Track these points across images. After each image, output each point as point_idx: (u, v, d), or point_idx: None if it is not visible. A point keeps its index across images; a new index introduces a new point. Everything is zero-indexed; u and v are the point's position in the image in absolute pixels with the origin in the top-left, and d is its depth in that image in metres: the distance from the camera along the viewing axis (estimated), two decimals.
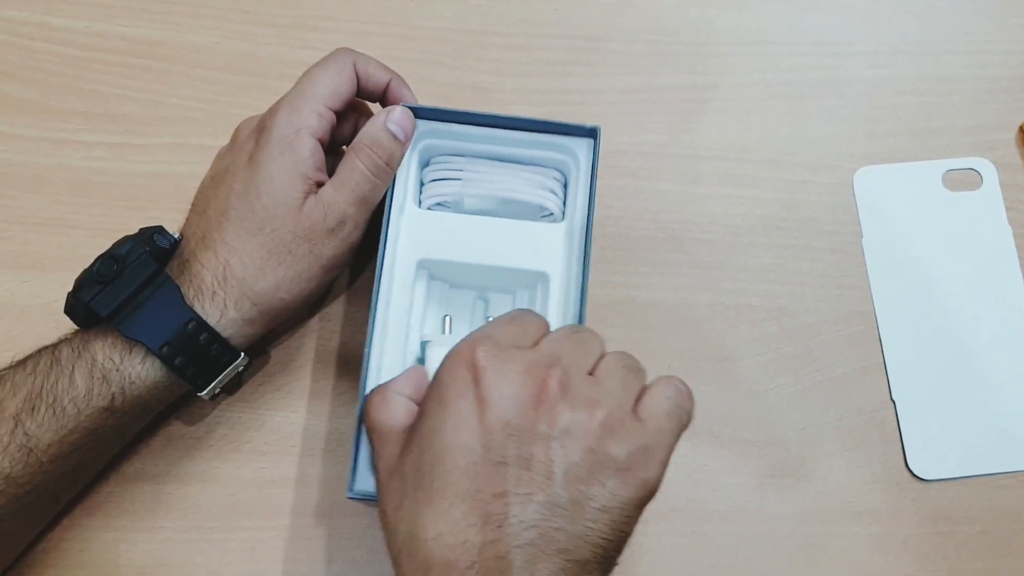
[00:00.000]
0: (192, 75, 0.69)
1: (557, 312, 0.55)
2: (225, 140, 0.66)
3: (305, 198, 0.54)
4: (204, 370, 0.54)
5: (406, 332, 0.56)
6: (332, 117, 0.56)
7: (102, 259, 0.53)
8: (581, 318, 0.54)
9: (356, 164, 0.55)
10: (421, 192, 0.59)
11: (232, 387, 0.61)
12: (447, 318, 0.59)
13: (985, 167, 0.68)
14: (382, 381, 0.55)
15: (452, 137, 0.59)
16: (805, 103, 0.70)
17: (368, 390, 0.53)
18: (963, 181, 0.68)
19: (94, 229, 0.65)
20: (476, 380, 0.44)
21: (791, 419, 0.62)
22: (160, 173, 0.66)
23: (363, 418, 0.49)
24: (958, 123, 0.69)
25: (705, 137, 0.69)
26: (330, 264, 0.55)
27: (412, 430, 0.46)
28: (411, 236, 0.57)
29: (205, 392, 0.55)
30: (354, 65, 0.57)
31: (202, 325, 0.52)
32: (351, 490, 0.52)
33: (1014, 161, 0.68)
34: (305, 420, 0.61)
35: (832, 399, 0.63)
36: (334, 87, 0.56)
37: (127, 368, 0.52)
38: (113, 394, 0.51)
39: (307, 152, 0.54)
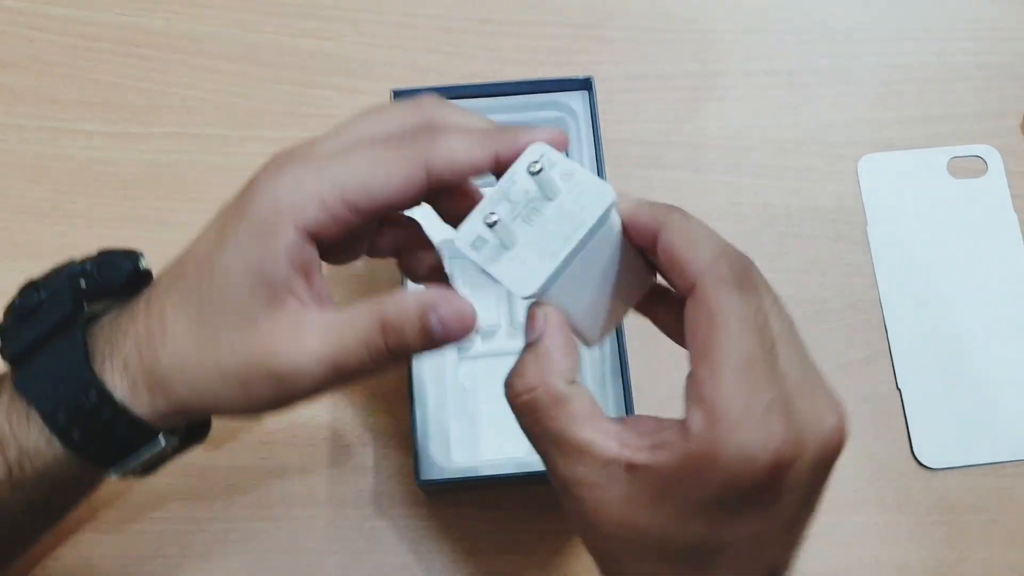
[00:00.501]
0: (192, 64, 0.68)
1: None
2: (224, 129, 0.66)
3: (268, 314, 0.38)
4: (108, 448, 0.41)
5: None
6: (349, 219, 0.38)
7: (27, 286, 0.43)
8: None
9: (357, 326, 0.38)
10: None
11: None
12: (494, 217, 0.36)
13: (990, 154, 0.66)
14: (424, 376, 0.54)
15: None
16: (809, 90, 0.69)
17: (415, 382, 0.52)
18: (968, 168, 0.67)
19: (93, 219, 0.64)
20: (779, 480, 0.33)
21: None
22: (159, 163, 0.65)
23: (531, 423, 0.37)
24: (963, 110, 0.68)
25: (709, 125, 0.67)
26: (263, 407, 0.40)
27: (686, 530, 0.34)
28: (425, 221, 0.57)
29: (114, 473, 0.42)
30: (425, 168, 0.37)
31: (105, 397, 0.39)
32: (418, 479, 0.52)
33: (1019, 148, 0.67)
34: (307, 410, 0.59)
35: (837, 387, 0.60)
36: (368, 183, 0.37)
37: (22, 435, 0.40)
38: (9, 466, 0.40)
39: (281, 247, 0.37)
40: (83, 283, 0.42)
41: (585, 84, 0.58)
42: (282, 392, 0.38)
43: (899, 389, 0.61)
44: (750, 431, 0.32)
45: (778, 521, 0.34)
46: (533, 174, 0.36)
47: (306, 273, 0.38)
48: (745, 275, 0.35)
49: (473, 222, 0.37)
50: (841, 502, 0.59)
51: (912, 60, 0.70)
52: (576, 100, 0.59)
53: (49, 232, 0.63)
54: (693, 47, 0.70)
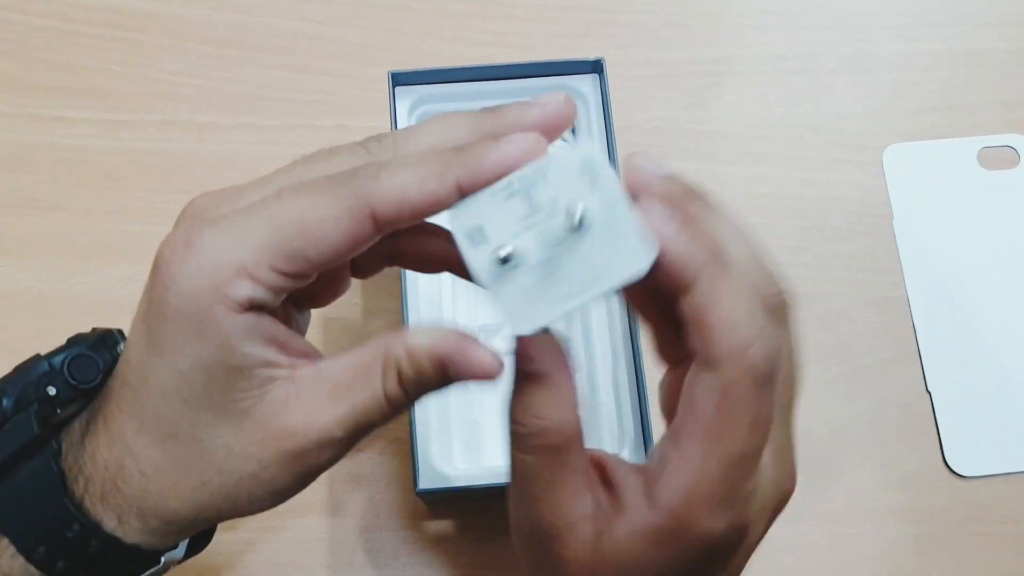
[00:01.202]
0: (183, 49, 0.64)
1: None
2: (216, 118, 0.63)
3: (260, 399, 0.32)
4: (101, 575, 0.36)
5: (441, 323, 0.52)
6: (287, 284, 0.32)
7: None
8: None
9: (370, 382, 0.32)
10: None
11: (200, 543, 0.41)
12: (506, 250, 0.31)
13: (1022, 144, 0.63)
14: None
15: (448, 99, 0.55)
16: (830, 78, 0.65)
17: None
18: (999, 159, 0.63)
19: (76, 211, 0.60)
20: (736, 546, 0.33)
21: (819, 412, 0.57)
22: (147, 152, 0.62)
23: (542, 465, 0.32)
24: (993, 98, 0.64)
25: (723, 113, 0.64)
26: (286, 493, 0.35)
27: None
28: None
29: None
30: (370, 214, 0.31)
31: (89, 531, 0.34)
32: (417, 488, 0.49)
33: None
34: None
35: (863, 390, 0.57)
36: (296, 244, 0.31)
37: None
38: None
39: (229, 335, 0.31)
40: (52, 390, 0.36)
41: (596, 67, 0.55)
42: (308, 470, 0.33)
43: (929, 392, 0.57)
44: (724, 519, 0.31)
45: (729, 568, 0.33)
46: (572, 222, 0.30)
47: (274, 340, 0.32)
48: (775, 366, 0.30)
49: (482, 206, 0.31)
50: (868, 512, 0.55)
51: (939, 46, 0.66)
52: (586, 84, 0.55)
53: (29, 226, 0.59)
54: (707, 31, 0.66)
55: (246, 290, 0.31)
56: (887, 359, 0.58)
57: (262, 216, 0.31)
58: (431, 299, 0.52)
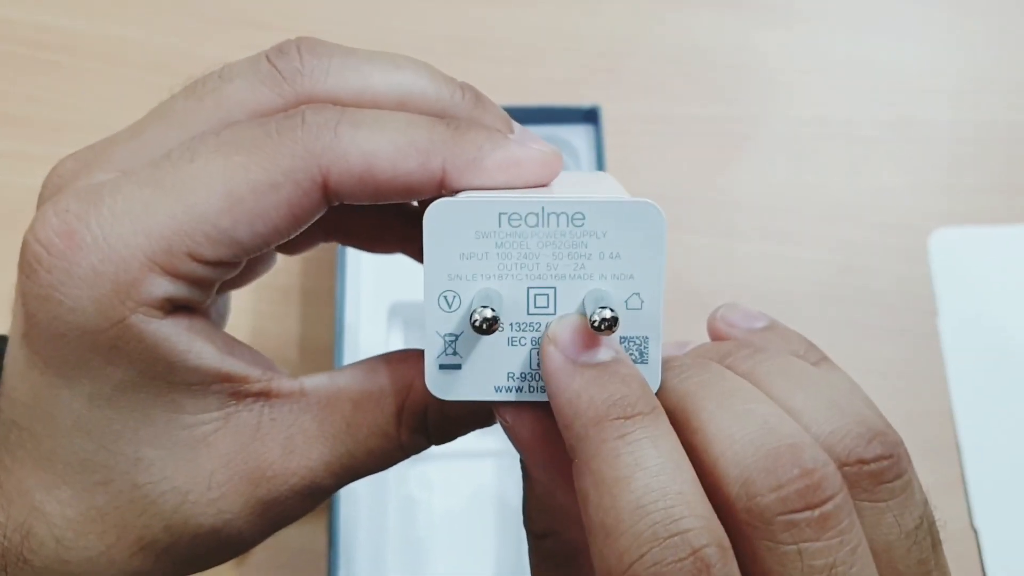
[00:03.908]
0: (112, 75, 0.60)
1: None
2: None
3: (224, 422, 0.27)
4: None
5: None
6: (211, 275, 0.26)
7: None
8: None
9: (383, 415, 0.28)
10: None
11: None
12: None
13: None
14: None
15: None
16: (871, 147, 0.61)
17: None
18: None
19: None
20: None
21: None
22: None
23: None
24: None
25: (745, 181, 0.59)
26: (249, 547, 0.29)
27: None
28: (379, 274, 0.50)
29: None
30: (321, 181, 0.25)
31: None
32: None
33: None
34: None
35: None
36: (225, 225, 0.25)
37: None
38: None
39: (166, 341, 0.26)
40: None
41: (590, 116, 0.52)
42: (280, 522, 0.28)
43: (975, 529, 0.52)
44: None
45: None
46: (598, 327, 0.23)
47: (223, 348, 0.27)
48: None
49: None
50: None
51: (998, 116, 0.62)
52: (578, 135, 0.53)
53: None
54: (729, 85, 0.62)
55: (163, 288, 0.25)
56: (926, 486, 0.52)
57: (169, 185, 0.25)
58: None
